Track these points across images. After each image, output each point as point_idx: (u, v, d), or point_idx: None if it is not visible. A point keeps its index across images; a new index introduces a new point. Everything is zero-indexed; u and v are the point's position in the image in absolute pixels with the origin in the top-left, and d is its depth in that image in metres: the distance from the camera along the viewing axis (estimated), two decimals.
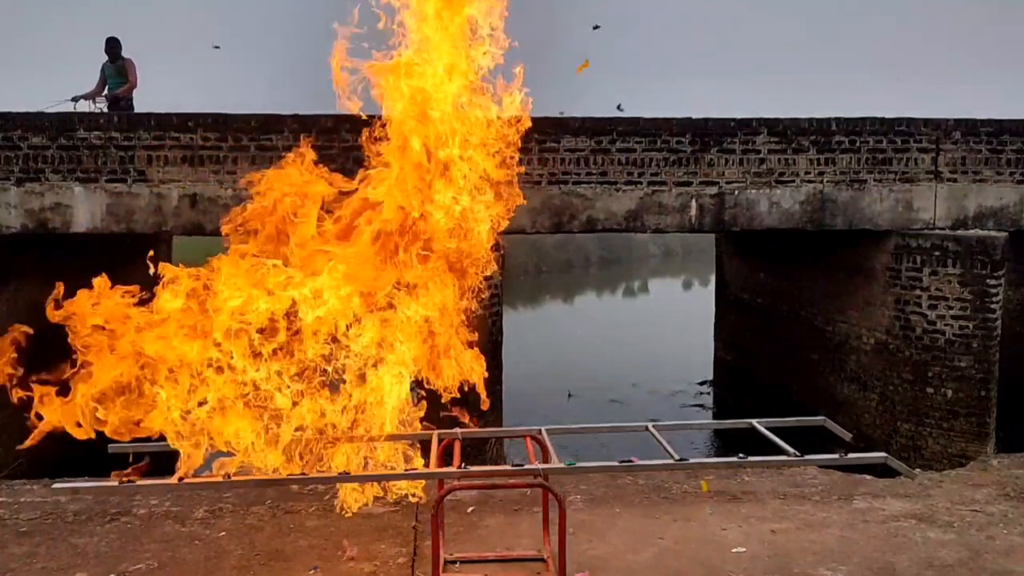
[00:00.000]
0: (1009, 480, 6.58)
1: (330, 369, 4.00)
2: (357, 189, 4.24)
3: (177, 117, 8.62)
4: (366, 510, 4.73)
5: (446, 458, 4.21)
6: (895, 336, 9.32)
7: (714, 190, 9.19)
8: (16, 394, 3.67)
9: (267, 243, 4.10)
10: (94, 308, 3.77)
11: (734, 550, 5.17)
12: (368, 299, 4.03)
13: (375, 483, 4.11)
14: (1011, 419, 9.55)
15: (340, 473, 3.90)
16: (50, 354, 3.68)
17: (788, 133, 9.23)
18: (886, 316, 9.45)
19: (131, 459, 3.84)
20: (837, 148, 9.28)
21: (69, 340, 3.75)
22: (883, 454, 4.12)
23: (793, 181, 9.27)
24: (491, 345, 8.28)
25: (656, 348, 19.51)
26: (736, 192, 9.22)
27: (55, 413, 3.66)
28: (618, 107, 10.79)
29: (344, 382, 4.01)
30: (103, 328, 3.76)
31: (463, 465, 3.96)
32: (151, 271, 3.96)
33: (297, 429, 3.90)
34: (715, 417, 14.07)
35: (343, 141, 8.26)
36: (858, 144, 9.29)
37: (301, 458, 3.91)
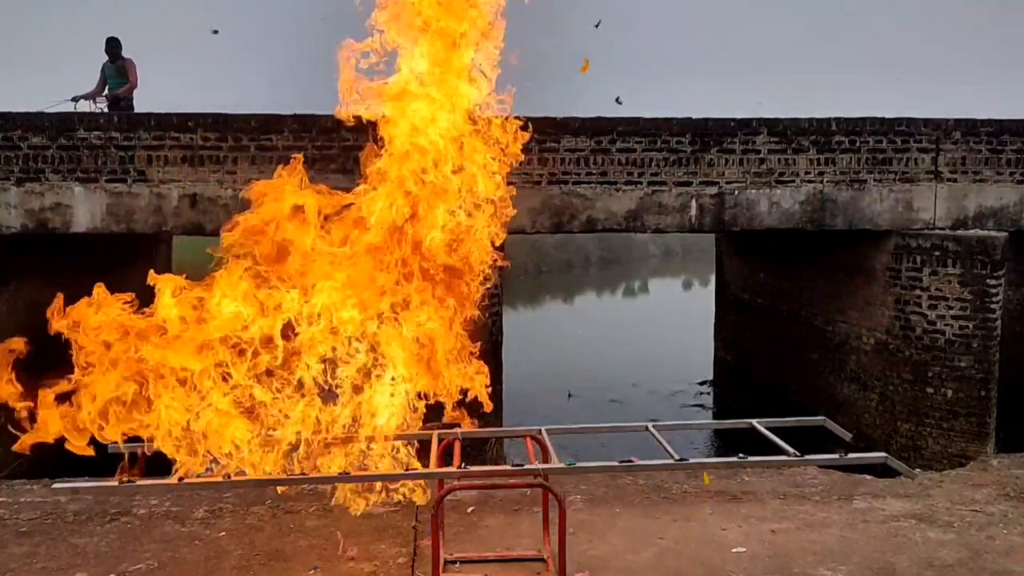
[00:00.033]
0: (1009, 480, 6.57)
1: (330, 382, 4.00)
2: (353, 204, 4.22)
3: (177, 117, 8.63)
4: (366, 510, 4.73)
5: (446, 458, 4.21)
6: (895, 336, 9.33)
7: (714, 190, 9.19)
8: (20, 412, 3.65)
9: (264, 260, 4.07)
10: (95, 320, 3.75)
11: (734, 550, 5.17)
12: (367, 314, 4.02)
13: (376, 486, 4.11)
14: (1011, 419, 9.55)
15: (340, 473, 3.90)
16: (50, 356, 3.67)
17: (788, 133, 9.23)
18: (886, 316, 9.45)
19: (126, 459, 3.83)
20: (837, 148, 9.28)
21: (71, 354, 3.74)
22: (883, 454, 4.12)
23: (793, 181, 9.27)
24: (491, 345, 8.28)
25: (656, 348, 19.50)
26: (736, 192, 9.22)
27: (56, 425, 3.65)
28: (617, 100, 10.70)
29: (338, 396, 4.01)
30: (105, 346, 3.75)
31: (463, 465, 3.96)
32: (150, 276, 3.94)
33: (296, 435, 3.89)
34: (715, 417, 14.07)
35: (343, 141, 8.28)
36: (858, 144, 9.29)
37: (300, 461, 3.91)
